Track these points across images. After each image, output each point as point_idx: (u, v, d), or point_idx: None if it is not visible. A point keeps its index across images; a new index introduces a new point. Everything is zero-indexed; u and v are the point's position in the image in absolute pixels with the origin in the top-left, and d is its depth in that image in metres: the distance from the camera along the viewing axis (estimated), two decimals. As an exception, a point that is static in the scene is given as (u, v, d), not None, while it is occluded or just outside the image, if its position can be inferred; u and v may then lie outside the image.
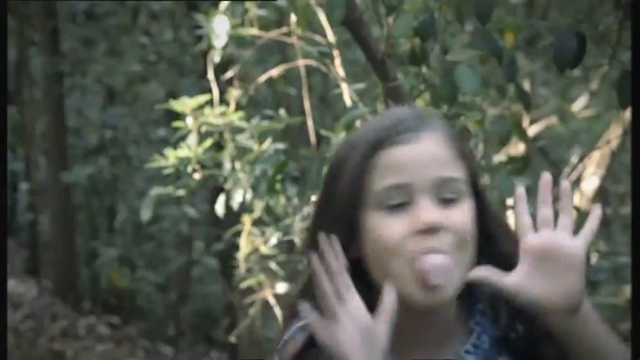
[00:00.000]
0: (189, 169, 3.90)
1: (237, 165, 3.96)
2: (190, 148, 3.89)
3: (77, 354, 5.65)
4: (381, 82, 3.13)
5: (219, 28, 3.99)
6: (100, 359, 5.54)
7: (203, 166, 3.93)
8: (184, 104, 3.94)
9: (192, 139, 3.92)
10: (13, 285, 7.60)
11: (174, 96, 6.63)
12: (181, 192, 4.08)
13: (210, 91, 4.16)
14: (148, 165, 3.99)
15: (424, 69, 2.80)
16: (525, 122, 3.87)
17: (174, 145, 3.95)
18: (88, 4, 7.17)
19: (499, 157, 3.55)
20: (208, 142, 3.91)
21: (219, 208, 4.04)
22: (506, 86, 2.76)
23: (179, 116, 4.00)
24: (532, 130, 4.05)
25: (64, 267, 7.38)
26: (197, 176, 3.94)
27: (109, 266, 6.89)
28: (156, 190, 4.06)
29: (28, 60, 9.03)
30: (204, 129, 3.96)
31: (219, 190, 4.13)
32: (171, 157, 3.89)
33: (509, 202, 3.09)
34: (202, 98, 3.96)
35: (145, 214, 4.07)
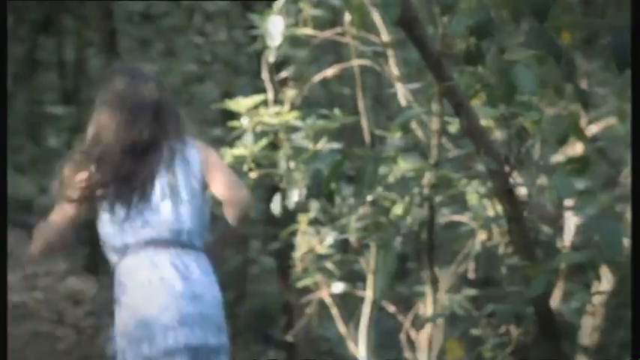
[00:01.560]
0: (246, 167, 3.93)
1: (293, 164, 3.98)
2: (246, 147, 3.92)
3: (136, 352, 5.71)
4: (437, 82, 3.12)
5: (274, 28, 4.01)
6: (158, 357, 5.59)
7: (259, 165, 3.95)
8: (240, 104, 3.97)
9: (248, 138, 3.95)
10: (73, 282, 7.71)
11: (229, 96, 6.66)
12: (238, 191, 4.12)
13: (264, 90, 4.19)
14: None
15: (480, 68, 2.78)
16: (583, 122, 3.82)
17: (230, 145, 3.98)
18: (144, 5, 7.24)
19: (557, 158, 3.51)
20: (264, 142, 3.94)
21: (275, 207, 4.06)
22: (563, 86, 2.72)
23: (234, 116, 4.03)
24: (590, 131, 3.99)
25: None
26: (253, 175, 3.96)
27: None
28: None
29: (86, 60, 9.15)
30: (259, 128, 3.99)
31: (275, 189, 4.15)
32: (228, 155, 3.92)
33: (568, 202, 3.06)
34: (258, 98, 3.99)
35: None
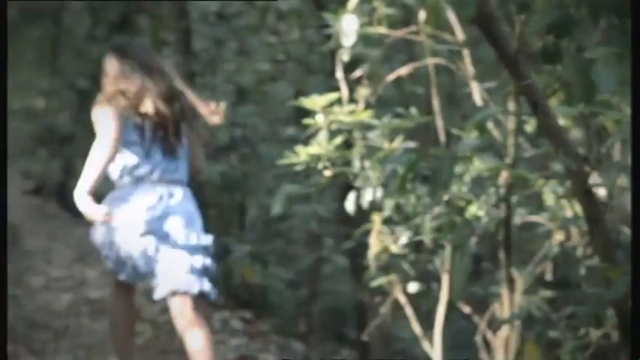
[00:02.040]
0: (320, 166, 3.94)
1: (367, 163, 3.97)
2: (321, 145, 3.93)
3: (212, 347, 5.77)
4: (513, 81, 3.08)
5: (348, 26, 4.01)
6: (233, 353, 5.64)
7: (333, 164, 3.96)
8: (315, 102, 3.98)
9: (322, 136, 3.96)
10: (149, 279, 7.83)
11: (302, 95, 6.69)
12: (311, 189, 4.13)
13: (337, 90, 4.19)
14: (280, 161, 4.05)
15: (558, 67, 2.74)
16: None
17: (304, 143, 3.99)
18: (218, 5, 7.31)
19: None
20: (338, 140, 3.94)
21: (350, 206, 4.06)
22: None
23: (308, 115, 4.04)
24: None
25: (197, 262, 7.52)
26: (327, 174, 3.97)
27: (241, 262, 7.02)
28: (287, 188, 4.11)
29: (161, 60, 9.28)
30: (334, 127, 3.99)
31: (349, 187, 4.15)
32: (303, 154, 3.94)
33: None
34: (333, 96, 3.99)
35: (276, 209, 4.13)
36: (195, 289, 3.57)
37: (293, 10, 6.76)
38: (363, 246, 4.49)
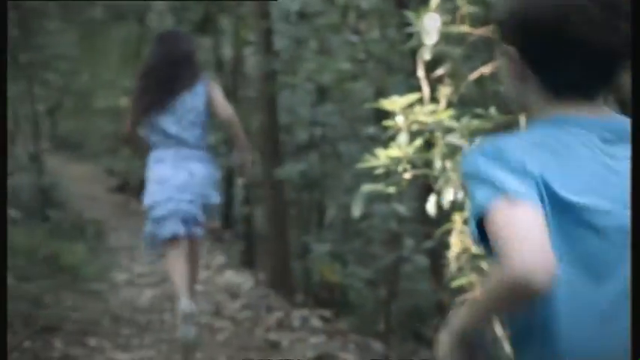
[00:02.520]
0: (400, 168, 3.92)
1: (448, 164, 3.94)
2: (401, 148, 3.91)
3: (292, 345, 5.80)
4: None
5: (430, 25, 3.98)
6: (313, 351, 5.66)
7: (413, 166, 3.94)
8: (395, 103, 3.96)
9: (402, 138, 3.94)
10: (230, 275, 7.92)
11: (383, 94, 6.67)
12: (391, 189, 4.11)
13: (418, 88, 4.17)
14: (360, 165, 4.05)
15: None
16: None
17: (384, 144, 3.98)
18: (299, 4, 7.35)
19: None
20: (418, 141, 3.92)
21: (431, 207, 4.04)
22: None
23: (387, 114, 4.02)
24: None
25: (277, 260, 7.58)
26: (407, 176, 3.95)
27: (320, 261, 7.05)
28: (367, 187, 4.11)
29: (243, 59, 9.36)
30: (414, 127, 3.97)
31: (429, 187, 4.13)
32: (382, 157, 3.92)
33: None
34: (413, 97, 3.97)
35: (356, 211, 4.13)
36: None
37: (374, 8, 6.75)
38: (444, 246, 4.45)
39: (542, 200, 1.45)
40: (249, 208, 9.11)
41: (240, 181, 9.46)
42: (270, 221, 7.67)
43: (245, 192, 9.21)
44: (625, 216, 1.48)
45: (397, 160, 3.88)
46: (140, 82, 4.93)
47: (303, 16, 7.40)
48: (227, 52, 10.88)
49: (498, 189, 1.44)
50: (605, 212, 1.49)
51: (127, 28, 13.07)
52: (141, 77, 4.96)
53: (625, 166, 1.51)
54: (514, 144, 1.52)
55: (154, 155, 4.84)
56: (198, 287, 7.42)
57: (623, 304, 1.46)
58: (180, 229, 4.73)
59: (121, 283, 7.58)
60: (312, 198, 8.31)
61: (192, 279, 4.95)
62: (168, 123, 4.81)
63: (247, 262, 9.00)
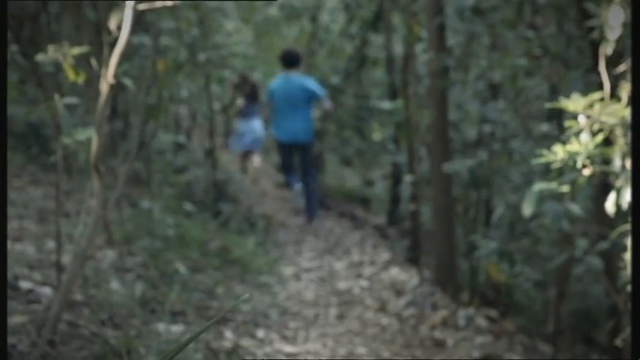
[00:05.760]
0: (578, 164, 3.81)
1: (628, 163, 3.80)
2: (581, 144, 3.80)
3: (457, 344, 5.75)
4: None
5: (614, 19, 3.85)
6: (479, 351, 5.59)
7: (592, 162, 3.82)
8: (577, 103, 3.85)
9: (584, 136, 3.83)
10: (396, 272, 7.92)
11: (557, 91, 6.50)
12: (565, 188, 4.00)
13: (596, 85, 4.04)
14: (535, 161, 3.96)
15: None
16: None
17: (560, 141, 3.88)
18: (474, 0, 7.27)
19: None
20: (599, 138, 3.80)
21: (610, 205, 3.91)
22: None
23: (563, 112, 3.92)
24: None
25: (443, 257, 7.52)
26: (586, 172, 3.84)
27: (487, 260, 6.94)
28: (539, 186, 4.02)
29: (414, 56, 9.35)
30: (595, 127, 3.85)
31: (605, 186, 4.00)
32: (560, 152, 3.83)
33: None
34: (594, 96, 3.85)
35: (527, 210, 4.04)
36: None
37: (551, 3, 6.59)
38: (620, 248, 4.30)
39: None
40: (415, 205, 9.09)
41: (407, 178, 9.45)
42: (436, 218, 7.62)
43: (412, 189, 9.18)
44: None
45: (575, 156, 3.77)
46: None
47: (477, 11, 7.31)
48: (398, 49, 10.90)
49: None
50: None
51: (300, 25, 13.32)
52: None
53: None
54: None
55: None
56: (363, 283, 7.48)
57: None
58: None
59: (288, 276, 7.71)
60: (480, 196, 8.20)
61: None
62: None
63: (413, 259, 8.98)
